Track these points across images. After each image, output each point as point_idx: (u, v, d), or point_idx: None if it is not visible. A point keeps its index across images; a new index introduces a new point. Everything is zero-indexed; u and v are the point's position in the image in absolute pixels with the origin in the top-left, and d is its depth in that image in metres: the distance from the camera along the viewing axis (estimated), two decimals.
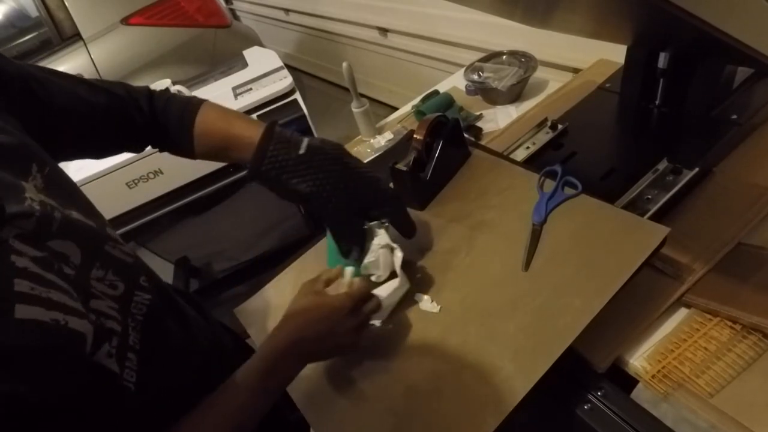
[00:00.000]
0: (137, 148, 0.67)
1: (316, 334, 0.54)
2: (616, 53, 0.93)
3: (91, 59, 1.98)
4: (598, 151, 0.87)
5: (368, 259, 0.62)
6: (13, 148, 0.44)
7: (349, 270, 0.60)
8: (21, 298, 0.36)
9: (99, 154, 0.65)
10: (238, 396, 0.50)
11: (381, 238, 0.62)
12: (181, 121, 0.63)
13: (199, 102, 0.65)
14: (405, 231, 0.66)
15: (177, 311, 0.57)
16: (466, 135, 0.96)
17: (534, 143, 0.90)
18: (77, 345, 0.39)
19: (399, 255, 0.62)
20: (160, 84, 1.39)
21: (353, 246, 0.62)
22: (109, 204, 1.43)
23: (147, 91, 0.65)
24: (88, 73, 1.98)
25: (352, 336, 0.56)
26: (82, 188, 0.51)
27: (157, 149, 0.67)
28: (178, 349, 0.54)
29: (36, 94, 0.53)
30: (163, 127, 0.64)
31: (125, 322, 0.46)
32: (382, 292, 0.63)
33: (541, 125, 0.93)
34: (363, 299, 0.58)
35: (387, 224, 0.63)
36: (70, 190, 0.49)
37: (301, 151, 0.57)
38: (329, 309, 0.55)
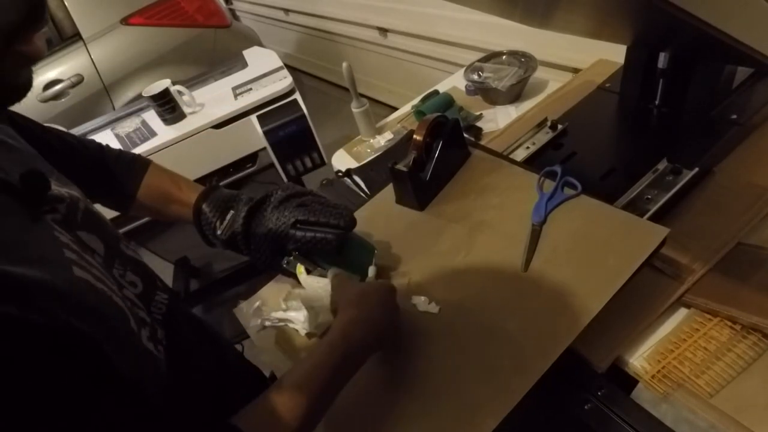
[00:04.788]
0: None
1: (372, 316, 0.55)
2: (616, 53, 0.93)
3: (91, 59, 1.98)
4: (598, 151, 0.87)
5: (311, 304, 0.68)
6: (26, 151, 0.48)
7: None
8: (74, 263, 0.37)
9: None
10: (309, 387, 0.48)
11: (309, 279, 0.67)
12: (128, 178, 0.68)
13: (147, 161, 0.71)
14: (320, 251, 0.65)
15: (187, 315, 0.58)
16: (466, 135, 0.96)
17: (534, 143, 0.90)
18: (125, 320, 0.40)
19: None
20: (160, 84, 1.38)
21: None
22: None
23: (97, 143, 0.70)
24: (87, 74, 1.98)
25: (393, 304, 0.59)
26: None
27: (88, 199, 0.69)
28: (191, 351, 0.54)
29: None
30: (105, 178, 0.67)
31: (151, 317, 0.47)
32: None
33: (541, 125, 0.93)
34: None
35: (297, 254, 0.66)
36: (81, 192, 0.50)
37: (219, 232, 0.66)
38: (378, 294, 0.57)
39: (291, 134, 1.41)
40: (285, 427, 0.45)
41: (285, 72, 1.50)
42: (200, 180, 1.45)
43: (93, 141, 0.70)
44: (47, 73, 1.95)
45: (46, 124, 0.65)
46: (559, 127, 0.91)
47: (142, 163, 0.70)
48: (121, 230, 1.48)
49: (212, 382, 0.55)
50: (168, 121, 1.42)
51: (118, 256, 0.48)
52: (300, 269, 0.67)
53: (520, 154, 0.89)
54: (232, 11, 3.70)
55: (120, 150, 0.71)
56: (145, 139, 1.41)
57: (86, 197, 0.68)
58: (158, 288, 0.52)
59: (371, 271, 0.67)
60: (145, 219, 1.50)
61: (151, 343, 0.43)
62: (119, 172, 0.68)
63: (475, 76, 1.17)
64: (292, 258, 0.65)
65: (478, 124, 1.11)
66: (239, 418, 0.44)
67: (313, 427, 0.48)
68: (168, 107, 1.40)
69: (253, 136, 1.43)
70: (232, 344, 0.75)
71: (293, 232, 0.62)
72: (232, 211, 0.66)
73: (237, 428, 0.43)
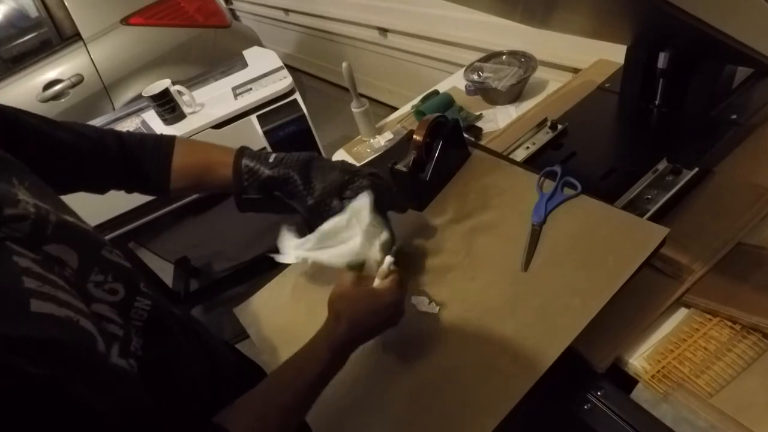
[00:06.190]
0: (100, 189, 0.66)
1: (372, 327, 0.56)
2: (616, 53, 0.93)
3: (91, 59, 1.98)
4: (598, 151, 0.87)
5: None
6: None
7: (387, 260, 0.60)
8: (33, 294, 0.36)
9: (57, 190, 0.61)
10: (297, 386, 0.51)
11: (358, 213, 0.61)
12: (158, 158, 0.66)
13: (171, 138, 0.69)
14: (394, 206, 0.65)
15: (176, 319, 0.57)
16: (466, 135, 0.96)
17: (534, 143, 0.90)
18: (91, 344, 0.39)
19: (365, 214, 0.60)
20: (160, 84, 1.38)
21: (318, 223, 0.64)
22: (110, 204, 1.43)
23: (114, 132, 0.67)
24: (87, 74, 1.98)
25: (397, 317, 0.59)
26: None
27: (123, 190, 0.68)
28: (178, 355, 0.53)
29: (13, 127, 0.55)
30: (135, 166, 0.66)
31: (127, 327, 0.46)
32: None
33: (540, 125, 0.93)
34: (401, 284, 0.60)
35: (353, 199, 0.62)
36: (56, 199, 0.49)
37: (271, 159, 0.65)
38: (381, 303, 0.56)
39: (291, 134, 1.41)
40: (269, 426, 0.48)
41: (285, 72, 1.50)
42: None
43: (110, 132, 0.67)
44: (47, 73, 1.95)
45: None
46: (559, 127, 0.91)
47: (168, 141, 0.68)
48: (122, 230, 1.48)
49: (204, 384, 0.55)
50: (168, 121, 1.42)
51: (98, 263, 0.46)
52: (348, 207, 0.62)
53: (520, 154, 0.89)
54: (232, 11, 3.70)
55: (141, 134, 0.69)
56: None
57: (126, 189, 0.68)
58: (140, 293, 0.50)
59: (387, 260, 0.61)
60: (145, 219, 1.50)
61: (123, 359, 0.42)
62: (147, 157, 0.66)
63: (475, 76, 1.17)
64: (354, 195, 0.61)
65: (478, 124, 1.11)
66: (225, 418, 0.46)
67: (294, 426, 0.51)
68: (168, 107, 1.40)
69: (253, 136, 1.43)
70: (229, 344, 0.75)
71: (366, 177, 0.63)
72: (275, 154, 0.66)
73: (223, 428, 0.44)
